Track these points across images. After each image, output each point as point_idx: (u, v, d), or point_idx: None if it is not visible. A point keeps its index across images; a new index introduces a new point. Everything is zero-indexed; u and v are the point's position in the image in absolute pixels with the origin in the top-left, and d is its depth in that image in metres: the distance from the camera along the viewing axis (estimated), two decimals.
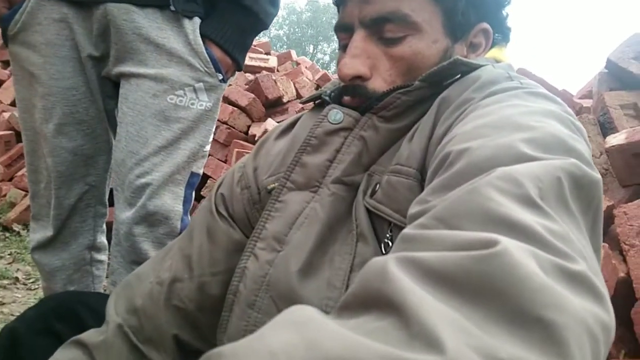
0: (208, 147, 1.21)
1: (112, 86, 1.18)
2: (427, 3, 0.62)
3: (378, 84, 0.63)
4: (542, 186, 0.35)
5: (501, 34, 0.71)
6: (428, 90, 0.60)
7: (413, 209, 0.41)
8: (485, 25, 0.67)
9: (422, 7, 0.62)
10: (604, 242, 1.45)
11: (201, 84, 1.12)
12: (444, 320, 0.24)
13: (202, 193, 2.61)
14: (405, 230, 0.36)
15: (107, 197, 1.30)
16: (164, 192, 1.11)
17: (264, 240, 0.63)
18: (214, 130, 1.21)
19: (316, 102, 0.75)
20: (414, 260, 0.29)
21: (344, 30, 0.67)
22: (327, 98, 0.70)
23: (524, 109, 0.47)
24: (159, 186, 1.10)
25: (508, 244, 0.28)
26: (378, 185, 0.58)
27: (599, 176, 0.41)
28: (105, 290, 1.50)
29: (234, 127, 2.78)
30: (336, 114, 0.64)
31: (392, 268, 0.28)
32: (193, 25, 1.10)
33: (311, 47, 26.69)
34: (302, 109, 2.89)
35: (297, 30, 26.72)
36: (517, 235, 0.30)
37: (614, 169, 1.69)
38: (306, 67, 3.85)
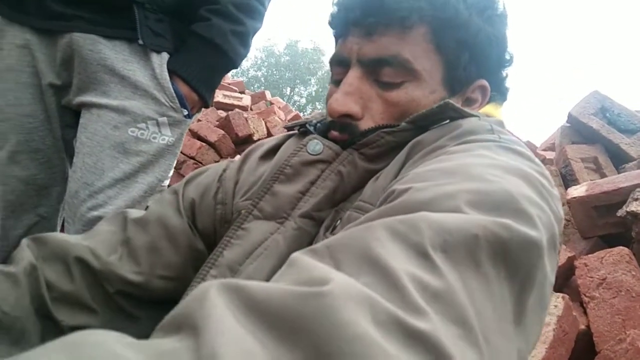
0: (167, 182, 1.17)
1: (72, 115, 1.15)
2: (430, 52, 0.61)
3: (368, 125, 0.61)
4: (449, 239, 0.34)
5: (499, 92, 0.69)
6: (413, 134, 0.58)
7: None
8: (484, 82, 0.66)
9: (425, 55, 0.60)
10: (565, 293, 1.46)
11: (165, 118, 1.10)
12: (239, 352, 0.22)
13: None
14: (295, 254, 0.34)
15: (59, 229, 1.24)
16: None
17: (218, 268, 0.59)
18: (174, 165, 1.18)
19: (300, 130, 0.72)
20: (238, 288, 0.27)
21: (339, 65, 0.65)
22: (310, 128, 0.68)
23: (488, 161, 0.46)
24: None
25: (339, 285, 0.27)
26: (339, 221, 0.56)
27: (537, 242, 0.38)
28: None
29: (201, 163, 2.75)
30: (316, 145, 0.62)
31: (213, 293, 0.26)
32: (160, 60, 1.09)
33: (288, 89, 27.13)
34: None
35: (275, 72, 27.15)
36: (377, 280, 0.29)
37: (575, 220, 1.72)
38: (279, 107, 3.88)
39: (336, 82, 0.65)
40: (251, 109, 3.88)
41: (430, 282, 0.30)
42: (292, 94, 26.69)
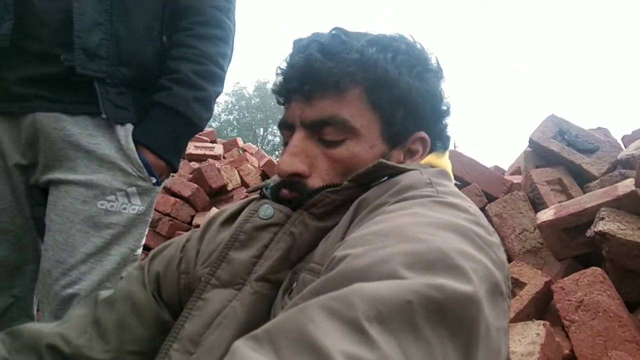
0: (140, 251, 1.17)
1: (40, 194, 1.14)
2: (366, 110, 0.65)
3: (316, 182, 0.64)
4: (382, 309, 0.35)
5: (440, 142, 0.73)
6: (357, 191, 0.61)
7: (281, 312, 0.41)
8: (423, 134, 0.69)
9: (361, 114, 0.64)
10: (546, 318, 1.48)
11: (134, 188, 1.11)
12: None
13: None
14: (237, 342, 0.35)
15: (34, 308, 1.22)
16: None
17: (180, 341, 0.60)
18: (145, 232, 1.18)
19: (260, 193, 0.74)
20: None
21: (286, 129, 0.69)
22: (267, 192, 0.70)
23: (421, 219, 0.48)
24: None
25: None
26: (295, 284, 0.57)
27: (472, 296, 0.39)
28: None
29: (176, 219, 2.74)
30: (267, 209, 0.64)
31: None
32: (125, 131, 1.10)
33: (261, 130, 27.31)
34: (247, 196, 2.90)
35: (246, 114, 27.37)
36: None
37: (547, 243, 1.76)
38: (251, 154, 3.91)
39: (286, 143, 0.69)
40: (224, 157, 3.90)
41: (365, 357, 0.31)
42: (265, 134, 26.87)
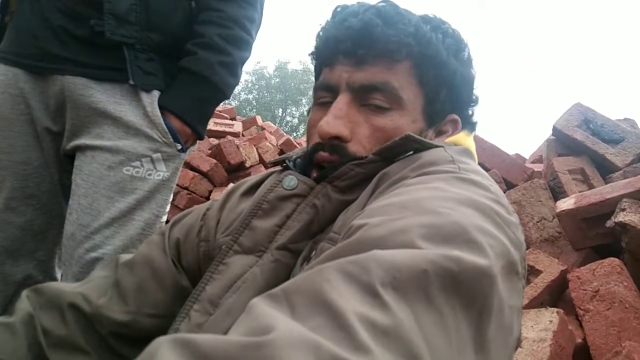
0: (164, 218, 1.18)
1: (69, 161, 1.17)
2: (413, 85, 0.66)
3: (357, 148, 0.64)
4: (398, 276, 0.35)
5: (469, 125, 0.74)
6: (381, 165, 0.61)
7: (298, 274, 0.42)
8: (455, 116, 0.71)
9: (409, 86, 0.65)
10: (560, 306, 1.47)
11: (159, 154, 1.12)
12: None
13: None
14: (254, 299, 0.35)
15: (58, 271, 1.25)
16: None
17: (200, 302, 0.61)
18: (170, 199, 1.20)
19: (283, 165, 0.75)
20: (188, 343, 0.28)
21: (327, 90, 0.68)
22: (290, 163, 0.71)
23: (441, 193, 0.48)
24: None
25: (281, 333, 0.28)
26: (314, 253, 0.58)
27: (487, 271, 0.39)
28: None
29: (194, 193, 2.78)
30: (290, 180, 0.65)
31: (163, 350, 0.28)
32: (151, 98, 1.11)
33: (280, 110, 27.29)
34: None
35: (266, 94, 27.31)
36: (326, 321, 0.31)
37: (565, 233, 1.74)
38: (270, 132, 3.92)
39: (321, 104, 0.69)
40: (243, 135, 3.92)
41: (378, 320, 0.32)
42: (284, 114, 26.83)
